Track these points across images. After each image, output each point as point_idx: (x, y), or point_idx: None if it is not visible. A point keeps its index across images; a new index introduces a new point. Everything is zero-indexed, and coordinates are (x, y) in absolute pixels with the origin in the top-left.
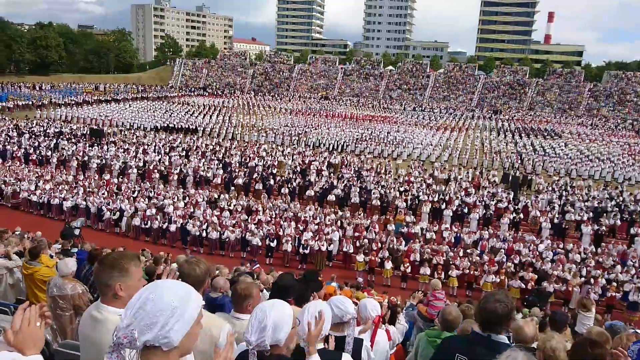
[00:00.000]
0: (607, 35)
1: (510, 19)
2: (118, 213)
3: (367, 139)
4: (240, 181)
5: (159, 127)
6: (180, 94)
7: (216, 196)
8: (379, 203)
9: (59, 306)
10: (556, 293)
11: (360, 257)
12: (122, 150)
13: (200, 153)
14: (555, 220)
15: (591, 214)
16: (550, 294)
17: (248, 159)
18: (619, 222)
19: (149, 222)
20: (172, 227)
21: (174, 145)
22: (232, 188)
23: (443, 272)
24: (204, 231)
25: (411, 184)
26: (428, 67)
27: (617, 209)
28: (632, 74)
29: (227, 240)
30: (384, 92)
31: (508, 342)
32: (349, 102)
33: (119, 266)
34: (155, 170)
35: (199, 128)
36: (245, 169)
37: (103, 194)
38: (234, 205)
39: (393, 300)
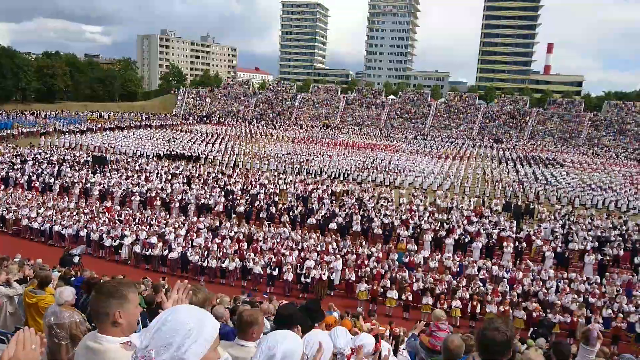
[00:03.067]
0: (608, 64)
1: (510, 49)
2: (118, 240)
3: (369, 167)
4: (241, 209)
5: (161, 155)
6: (182, 122)
7: (217, 224)
8: (381, 231)
9: (56, 335)
10: (560, 324)
11: (362, 286)
12: (125, 177)
13: (202, 180)
14: (559, 250)
15: (595, 243)
16: (554, 325)
17: (250, 186)
18: (622, 252)
19: (149, 249)
20: (173, 255)
21: (176, 172)
22: (234, 216)
23: (446, 302)
24: (205, 259)
25: (413, 213)
26: (429, 97)
27: (621, 238)
28: (632, 103)
29: (227, 268)
30: (385, 121)
31: None
32: (351, 131)
33: (117, 293)
34: (157, 198)
35: (201, 156)
36: (247, 197)
37: (104, 221)
38: (235, 233)
39: (396, 331)
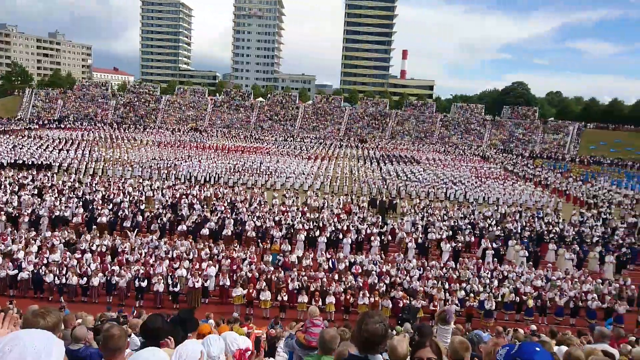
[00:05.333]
0: (452, 71)
1: (370, 55)
2: None
3: (240, 170)
4: (104, 219)
5: (5, 164)
6: (29, 127)
7: (75, 237)
8: (254, 234)
9: None
10: (424, 308)
11: (237, 291)
12: None
13: (56, 191)
14: (419, 240)
15: (450, 232)
16: (418, 310)
17: (112, 195)
18: (472, 239)
19: None
20: (23, 275)
21: (24, 183)
22: (94, 227)
23: (320, 299)
24: (63, 277)
25: (286, 213)
26: (297, 99)
27: (470, 226)
28: (475, 106)
29: (89, 284)
30: (255, 123)
31: None
32: (220, 134)
33: None
34: (2, 212)
35: (54, 164)
36: (110, 206)
37: None
38: (97, 246)
39: (272, 332)
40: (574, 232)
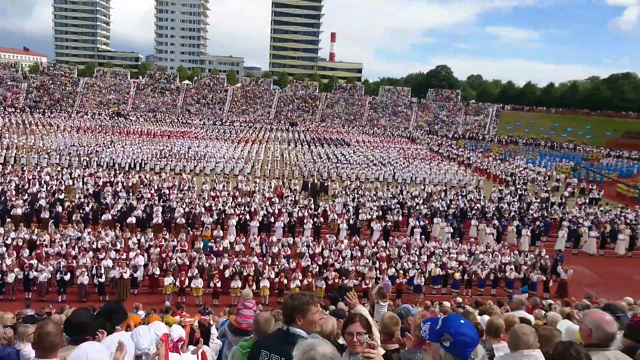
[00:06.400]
0: (379, 55)
1: (299, 37)
2: None
3: (167, 155)
4: (18, 211)
5: None
6: None
7: None
8: (184, 221)
9: None
10: (356, 287)
11: (167, 280)
12: None
13: None
14: (351, 221)
15: (380, 212)
16: (350, 289)
17: (27, 184)
18: (401, 218)
19: None
20: None
21: None
22: (9, 220)
23: (254, 283)
24: None
25: (216, 199)
26: (225, 82)
27: (399, 205)
28: (401, 88)
29: (5, 281)
30: (181, 107)
31: (304, 334)
32: (145, 118)
33: None
34: None
35: None
36: (25, 197)
37: None
38: (13, 240)
39: (206, 319)
40: (493, 208)
